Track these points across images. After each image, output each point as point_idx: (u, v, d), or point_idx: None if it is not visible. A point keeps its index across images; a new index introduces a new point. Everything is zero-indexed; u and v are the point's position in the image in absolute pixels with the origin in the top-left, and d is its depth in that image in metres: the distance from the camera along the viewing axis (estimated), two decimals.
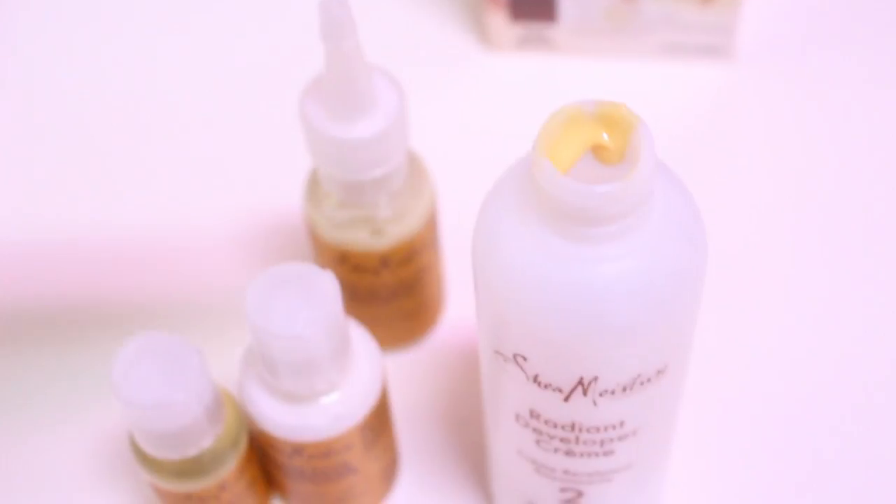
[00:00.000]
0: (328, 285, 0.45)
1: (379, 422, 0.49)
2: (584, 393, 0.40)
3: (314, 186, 0.51)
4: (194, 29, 0.67)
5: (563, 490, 0.46)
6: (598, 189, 0.36)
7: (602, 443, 0.43)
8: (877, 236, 0.59)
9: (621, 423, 0.42)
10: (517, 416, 0.43)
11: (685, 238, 0.39)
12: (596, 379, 0.40)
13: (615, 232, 0.37)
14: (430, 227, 0.52)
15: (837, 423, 0.54)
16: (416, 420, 0.55)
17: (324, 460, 0.48)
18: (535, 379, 0.41)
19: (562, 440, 0.43)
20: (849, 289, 0.58)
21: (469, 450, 0.54)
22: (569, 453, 0.44)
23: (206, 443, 0.46)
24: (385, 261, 0.52)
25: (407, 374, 0.56)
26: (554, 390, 0.41)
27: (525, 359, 0.40)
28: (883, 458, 0.53)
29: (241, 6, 0.68)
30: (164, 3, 0.68)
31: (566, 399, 0.41)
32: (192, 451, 0.46)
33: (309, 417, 0.47)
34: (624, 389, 0.40)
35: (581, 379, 0.40)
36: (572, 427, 0.42)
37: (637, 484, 0.47)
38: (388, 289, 0.53)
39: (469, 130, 0.62)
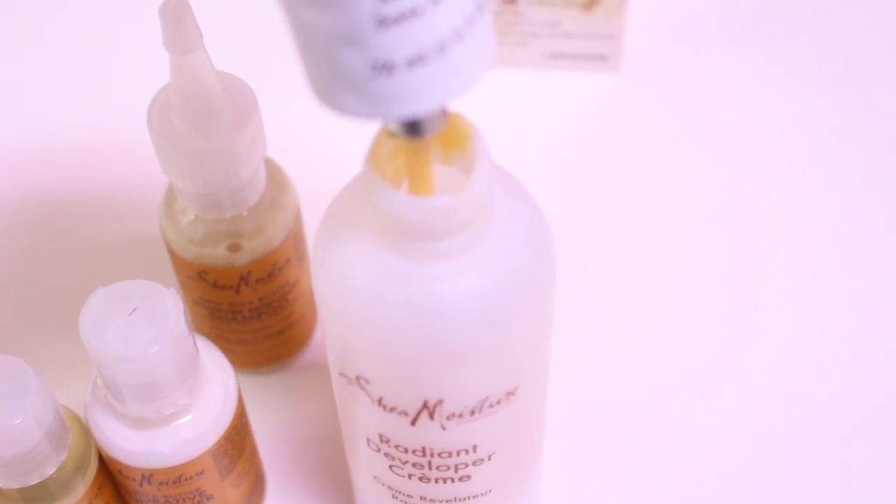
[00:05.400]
0: (171, 303, 0.42)
1: (235, 446, 0.47)
2: (431, 416, 0.38)
3: (170, 201, 0.49)
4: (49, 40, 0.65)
5: None
6: (432, 203, 0.34)
7: (456, 468, 0.41)
8: (760, 242, 0.58)
9: (474, 448, 0.40)
10: (368, 441, 0.41)
11: (529, 253, 0.37)
12: (441, 402, 0.38)
13: (453, 248, 0.35)
14: (294, 242, 0.50)
15: (712, 437, 0.53)
16: (284, 443, 0.53)
17: (175, 487, 0.46)
18: (380, 402, 0.39)
19: (414, 465, 0.41)
20: (733, 297, 0.56)
21: (337, 475, 0.52)
22: (423, 479, 0.42)
23: (49, 470, 0.44)
24: (245, 277, 0.49)
25: (275, 396, 0.54)
26: (400, 414, 0.39)
27: (367, 381, 0.38)
28: (760, 473, 0.52)
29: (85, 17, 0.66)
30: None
31: (413, 423, 0.39)
32: (34, 479, 0.44)
33: (156, 443, 0.45)
34: (472, 412, 0.38)
35: (426, 402, 0.38)
36: (423, 452, 0.40)
37: None
38: (251, 307, 0.51)
39: (340, 141, 0.60)
